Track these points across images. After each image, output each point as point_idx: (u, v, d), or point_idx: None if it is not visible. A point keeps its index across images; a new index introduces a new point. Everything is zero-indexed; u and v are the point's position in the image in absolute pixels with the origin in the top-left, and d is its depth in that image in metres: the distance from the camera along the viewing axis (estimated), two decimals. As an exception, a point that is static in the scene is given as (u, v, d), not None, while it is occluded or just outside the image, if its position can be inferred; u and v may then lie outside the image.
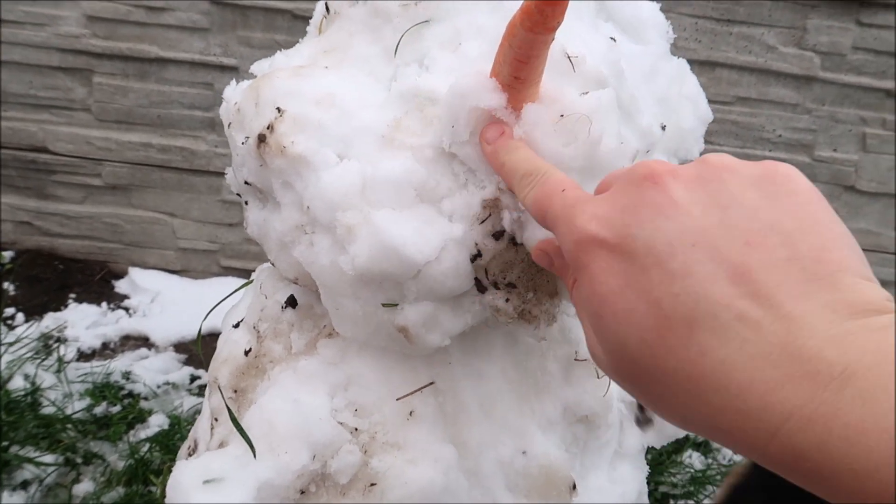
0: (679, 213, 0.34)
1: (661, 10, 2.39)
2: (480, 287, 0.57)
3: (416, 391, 0.61)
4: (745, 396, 0.30)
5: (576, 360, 0.69)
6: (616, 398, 0.71)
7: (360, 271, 0.53)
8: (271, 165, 0.58)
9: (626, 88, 0.60)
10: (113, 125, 2.29)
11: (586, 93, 0.54)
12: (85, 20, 2.15)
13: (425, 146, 0.54)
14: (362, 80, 0.61)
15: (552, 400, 0.67)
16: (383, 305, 0.55)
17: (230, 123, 0.64)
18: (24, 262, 2.44)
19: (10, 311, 2.23)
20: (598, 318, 0.36)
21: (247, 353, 0.70)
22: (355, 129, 0.57)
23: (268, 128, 0.59)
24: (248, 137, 0.61)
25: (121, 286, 2.45)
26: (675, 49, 2.25)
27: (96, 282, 2.45)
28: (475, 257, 0.55)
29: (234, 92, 0.65)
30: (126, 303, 2.38)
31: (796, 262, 0.31)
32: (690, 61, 2.25)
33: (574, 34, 0.59)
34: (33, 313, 2.23)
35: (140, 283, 2.44)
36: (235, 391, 0.70)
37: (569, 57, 0.55)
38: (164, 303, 2.39)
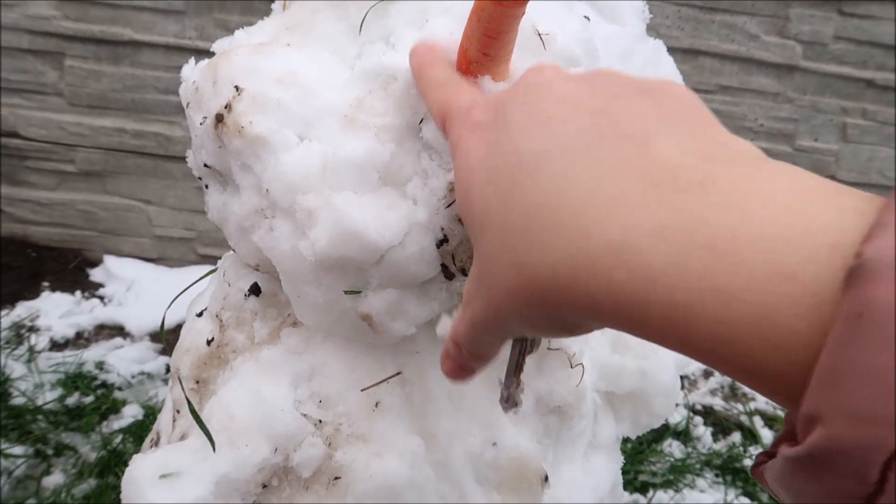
0: (554, 84, 0.32)
1: (644, -4, 2.34)
2: (447, 273, 0.55)
3: (381, 381, 0.59)
4: (586, 210, 0.25)
5: (548, 349, 0.67)
6: (590, 388, 0.70)
7: (320, 257, 0.51)
8: (229, 146, 0.56)
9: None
10: (86, 110, 2.24)
11: (557, 72, 0.52)
12: (56, 1, 2.09)
13: (388, 127, 0.52)
14: (326, 58, 0.58)
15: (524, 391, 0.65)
16: (345, 293, 0.53)
17: (188, 103, 0.62)
18: (-5, 250, 2.39)
19: (-20, 299, 2.18)
20: (465, 193, 0.33)
21: (209, 342, 0.68)
22: (317, 109, 0.54)
23: (225, 107, 0.56)
24: (205, 118, 0.58)
25: (95, 274, 2.40)
26: (658, 36, 2.24)
27: (70, 270, 2.41)
28: (441, 242, 0.53)
29: (192, 71, 0.62)
30: (101, 291, 2.33)
31: (657, 111, 0.28)
32: (673, 49, 2.24)
33: (546, 12, 0.56)
34: (5, 302, 2.19)
35: (115, 271, 2.40)
36: (197, 382, 0.67)
37: (539, 34, 0.53)
38: (140, 291, 2.35)
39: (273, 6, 0.71)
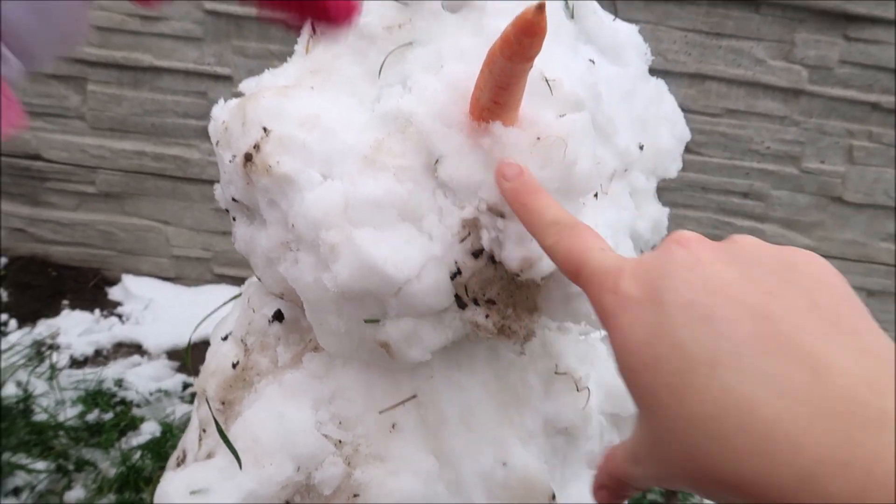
0: (702, 267, 0.35)
1: (652, 22, 2.39)
2: (461, 303, 0.59)
3: (398, 404, 0.62)
4: (773, 435, 0.28)
5: (556, 373, 0.70)
6: (596, 411, 0.73)
7: (342, 289, 0.55)
8: (257, 184, 0.60)
9: (603, 110, 0.62)
10: (107, 133, 2.30)
11: (563, 115, 0.56)
12: (80, 29, 2.16)
13: (406, 167, 0.56)
14: (346, 100, 0.63)
15: (532, 413, 0.69)
16: (365, 321, 0.57)
17: (218, 141, 0.66)
18: (17, 269, 2.45)
19: (3, 317, 2.23)
20: (630, 372, 0.36)
21: (234, 365, 0.71)
22: (339, 149, 0.58)
23: (254, 147, 0.60)
24: (235, 156, 0.62)
25: (114, 293, 2.45)
26: (666, 62, 2.26)
27: (89, 289, 2.46)
28: (455, 275, 0.56)
29: (222, 111, 0.66)
30: (119, 310, 2.38)
31: (816, 311, 0.31)
32: (680, 74, 2.27)
33: (553, 58, 0.60)
34: (26, 320, 2.24)
35: (133, 290, 2.45)
36: (223, 403, 0.71)
37: (547, 80, 0.57)
38: (158, 310, 2.39)
39: (296, 48, 0.75)
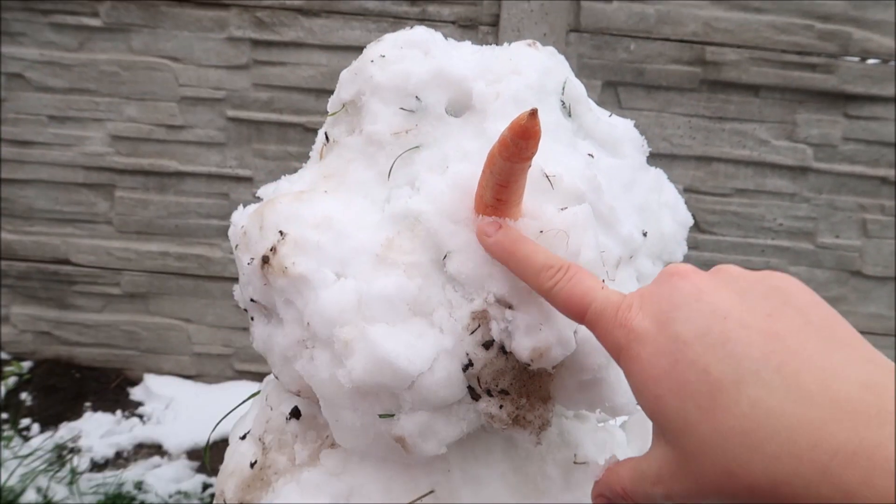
0: (707, 296, 0.40)
1: (656, 109, 2.47)
2: (474, 395, 0.59)
3: (415, 501, 0.62)
4: (796, 438, 0.32)
5: (575, 462, 0.70)
6: (618, 501, 0.72)
7: (356, 383, 0.56)
8: (274, 285, 0.62)
9: (604, 200, 0.64)
10: (133, 236, 2.39)
11: (565, 208, 0.58)
12: (109, 139, 2.28)
13: (416, 263, 0.58)
14: (359, 202, 0.66)
15: (553, 505, 0.68)
16: (380, 416, 0.58)
17: (237, 245, 0.69)
18: (42, 372, 2.48)
19: (26, 421, 2.24)
20: (656, 399, 0.39)
21: (252, 465, 0.72)
22: (351, 248, 0.61)
23: (271, 250, 0.63)
24: (253, 259, 0.65)
25: (136, 393, 2.47)
26: (672, 146, 2.33)
27: (112, 389, 2.48)
28: (467, 367, 0.57)
29: (241, 216, 0.70)
30: (140, 410, 2.39)
31: (812, 327, 0.36)
32: (687, 157, 2.33)
33: (553, 154, 0.64)
34: (49, 423, 2.25)
35: (154, 389, 2.46)
36: (241, 504, 0.71)
37: (547, 176, 0.59)
38: (178, 409, 2.40)
39: (310, 154, 0.79)
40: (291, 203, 0.66)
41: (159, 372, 2.52)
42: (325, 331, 0.58)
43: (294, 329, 0.62)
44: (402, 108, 0.67)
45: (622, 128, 0.73)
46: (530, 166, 0.52)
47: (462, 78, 0.67)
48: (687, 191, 2.31)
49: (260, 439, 0.73)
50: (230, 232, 0.72)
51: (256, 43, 2.18)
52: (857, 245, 2.33)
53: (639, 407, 0.45)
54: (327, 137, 0.74)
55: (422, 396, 0.56)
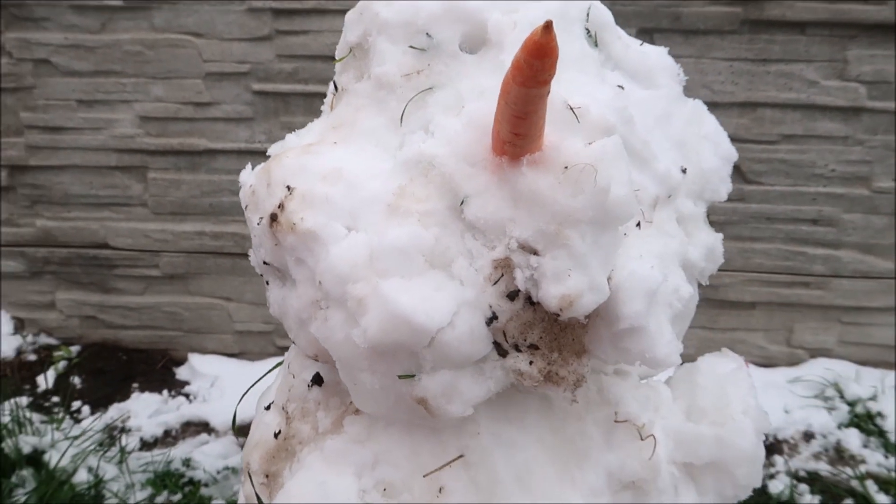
0: None
1: (694, 55, 2.34)
2: (501, 351, 0.55)
3: (443, 466, 0.58)
4: None
5: (616, 421, 0.65)
6: (665, 460, 0.67)
7: (372, 343, 0.52)
8: (284, 243, 0.59)
9: (636, 134, 0.59)
10: (168, 217, 2.39)
11: (592, 142, 0.52)
12: (138, 121, 2.28)
13: (431, 211, 0.53)
14: (370, 151, 0.61)
15: (594, 467, 0.63)
16: (399, 377, 0.53)
17: (247, 206, 0.65)
18: (90, 356, 2.52)
19: (76, 404, 2.29)
20: None
21: (276, 435, 0.69)
22: (363, 200, 0.56)
23: (279, 206, 0.59)
24: (262, 218, 0.61)
25: (181, 373, 2.50)
26: (713, 93, 2.21)
27: (158, 370, 2.51)
28: (491, 320, 0.53)
29: (248, 175, 0.66)
30: (186, 389, 2.42)
31: None
32: (730, 104, 2.21)
33: (578, 86, 0.58)
34: (98, 405, 2.29)
35: (199, 368, 2.48)
36: (267, 476, 0.68)
37: (572, 109, 0.54)
38: (223, 387, 2.42)
39: (322, 108, 0.75)
40: (299, 156, 0.61)
41: (203, 351, 2.55)
42: (337, 289, 0.54)
43: (307, 289, 0.58)
44: (411, 47, 0.62)
45: (655, 56, 0.67)
46: (549, 92, 0.46)
47: (476, 9, 0.61)
48: (731, 140, 2.20)
49: (283, 408, 0.70)
50: (240, 193, 0.68)
51: (278, 13, 2.13)
52: (916, 188, 2.19)
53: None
54: (336, 87, 0.69)
55: (443, 354, 0.52)
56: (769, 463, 2.07)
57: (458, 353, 0.52)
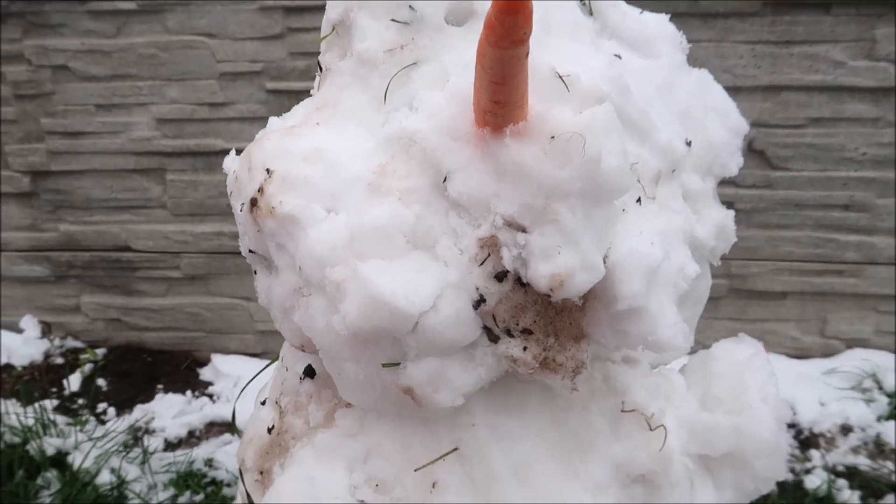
0: None
1: (714, 39, 2.26)
2: (492, 336, 0.52)
3: (436, 460, 0.55)
4: None
5: (622, 411, 0.61)
6: (678, 452, 0.63)
7: (352, 330, 0.49)
8: (264, 228, 0.56)
9: (633, 104, 0.55)
10: (187, 218, 2.40)
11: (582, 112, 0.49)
12: (155, 123, 2.28)
13: (412, 188, 0.50)
14: (353, 130, 0.58)
15: (599, 459, 0.60)
16: (383, 366, 0.51)
17: (231, 192, 0.63)
18: (115, 358, 2.54)
19: (102, 406, 2.31)
20: None
21: (270, 430, 0.66)
22: (344, 180, 0.54)
23: (258, 191, 0.57)
24: (243, 204, 0.59)
25: (205, 373, 2.50)
26: (734, 78, 2.13)
27: (182, 371, 2.52)
28: (478, 303, 0.50)
29: (232, 161, 0.64)
30: (210, 389, 2.42)
31: None
32: (752, 88, 2.13)
33: (569, 55, 0.54)
34: (124, 407, 2.31)
35: (222, 369, 2.48)
36: (261, 472, 0.66)
37: (561, 77, 0.50)
38: (247, 387, 2.41)
39: (311, 91, 0.73)
40: (280, 139, 0.59)
41: (225, 352, 2.55)
42: (316, 273, 0.51)
43: (289, 276, 0.56)
44: (394, 21, 0.59)
45: (655, 23, 0.63)
46: (527, 53, 0.43)
47: (460, -22, 0.58)
48: (755, 125, 2.13)
49: (277, 402, 0.68)
50: (227, 181, 0.66)
51: (289, 10, 2.12)
52: (954, 170, 2.10)
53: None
54: (320, 67, 0.67)
55: (427, 339, 0.49)
56: (805, 458, 2.00)
57: (444, 338, 0.49)
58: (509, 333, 0.51)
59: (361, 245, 0.50)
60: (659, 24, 0.63)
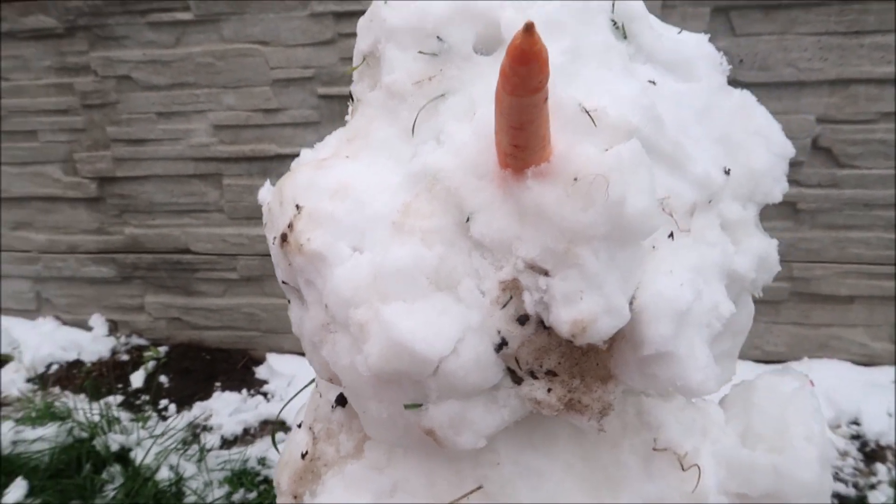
0: None
1: (777, 32, 2.18)
2: (515, 378, 0.51)
3: (459, 499, 0.55)
4: None
5: (654, 449, 0.59)
6: (714, 490, 0.60)
7: (374, 371, 0.49)
8: (294, 264, 0.57)
9: (666, 134, 0.53)
10: (243, 221, 2.46)
11: (609, 149, 0.47)
12: (212, 129, 2.35)
13: (435, 228, 0.50)
14: (382, 163, 0.58)
15: (630, 497, 0.58)
16: (406, 407, 0.50)
17: (266, 224, 0.64)
18: (176, 356, 2.64)
19: (164, 402, 2.40)
20: None
21: (303, 455, 0.67)
22: (369, 217, 0.54)
23: (288, 226, 0.57)
24: (275, 237, 0.60)
25: (260, 372, 2.57)
26: (798, 71, 2.04)
27: (239, 370, 2.59)
28: (500, 346, 0.49)
29: (266, 192, 0.65)
30: (265, 388, 2.48)
31: None
32: (818, 82, 2.04)
33: (598, 84, 0.53)
34: (184, 403, 2.39)
35: (277, 368, 2.55)
36: (295, 497, 0.67)
37: (587, 112, 0.49)
38: (300, 386, 2.46)
39: (346, 117, 0.73)
40: (310, 173, 0.59)
41: (280, 351, 2.61)
42: (341, 312, 0.52)
43: (317, 312, 0.56)
44: (421, 52, 0.58)
45: (693, 44, 0.60)
46: (546, 99, 0.41)
47: (486, 8, 0.57)
48: (820, 121, 2.03)
49: (310, 428, 0.69)
50: (262, 211, 0.67)
51: (339, 16, 2.14)
52: None
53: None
54: (352, 97, 0.67)
55: (448, 383, 0.48)
56: (869, 472, 1.91)
57: (465, 382, 0.48)
58: (533, 375, 0.50)
59: (384, 286, 0.49)
60: (698, 45, 0.60)
